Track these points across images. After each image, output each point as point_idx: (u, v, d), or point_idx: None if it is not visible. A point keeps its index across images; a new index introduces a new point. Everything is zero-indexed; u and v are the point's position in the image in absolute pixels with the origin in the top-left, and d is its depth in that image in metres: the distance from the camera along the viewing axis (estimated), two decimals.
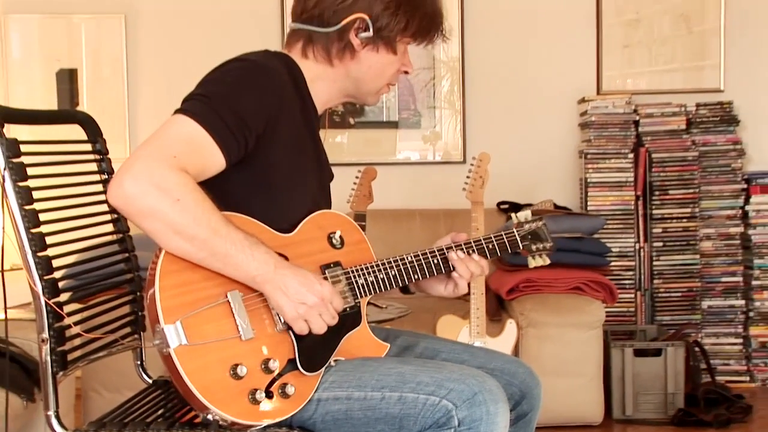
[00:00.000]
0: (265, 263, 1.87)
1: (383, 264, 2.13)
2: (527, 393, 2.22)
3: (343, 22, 2.10)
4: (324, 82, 2.18)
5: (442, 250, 2.20)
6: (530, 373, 2.25)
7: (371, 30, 2.11)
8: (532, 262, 2.33)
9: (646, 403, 4.43)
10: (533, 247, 2.31)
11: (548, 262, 2.34)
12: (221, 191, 1.98)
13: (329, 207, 2.25)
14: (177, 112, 1.91)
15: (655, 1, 5.32)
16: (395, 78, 2.25)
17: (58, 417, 2.04)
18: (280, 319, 1.93)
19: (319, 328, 1.91)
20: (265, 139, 1.98)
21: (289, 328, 1.92)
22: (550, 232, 2.33)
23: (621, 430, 4.36)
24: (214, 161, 1.91)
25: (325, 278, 2.03)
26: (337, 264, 2.09)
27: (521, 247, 2.29)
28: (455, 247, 2.21)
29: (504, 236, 2.27)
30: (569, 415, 4.27)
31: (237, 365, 1.84)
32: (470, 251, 2.22)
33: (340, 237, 2.13)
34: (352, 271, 2.09)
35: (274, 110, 2.00)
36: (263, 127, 1.97)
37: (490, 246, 2.24)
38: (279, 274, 1.87)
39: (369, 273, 2.11)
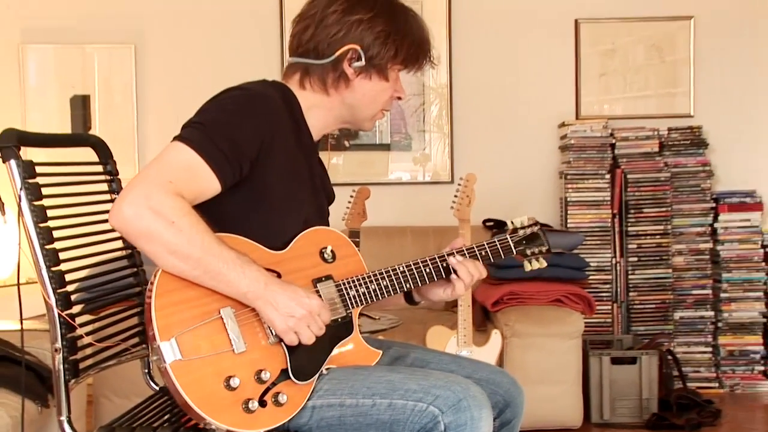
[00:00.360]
0: (256, 280, 1.87)
1: (374, 275, 2.12)
2: (511, 402, 2.21)
3: (337, 53, 2.11)
4: (320, 110, 2.18)
5: (434, 258, 2.18)
6: (514, 383, 2.24)
7: (363, 59, 2.11)
8: (528, 266, 2.27)
9: (622, 408, 4.43)
10: (528, 252, 2.25)
11: (545, 265, 2.28)
12: (217, 214, 1.97)
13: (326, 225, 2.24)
14: (175, 139, 1.92)
15: (630, 33, 5.34)
16: (389, 104, 2.24)
17: (70, 422, 2.04)
18: (271, 332, 1.92)
19: (308, 339, 1.91)
20: (258, 164, 1.98)
21: (280, 340, 1.92)
22: (546, 235, 2.29)
23: None
24: (210, 186, 1.92)
25: (317, 291, 2.03)
26: (328, 277, 2.08)
27: (515, 252, 2.24)
28: (448, 256, 2.18)
29: (497, 243, 2.23)
30: (551, 419, 4.26)
31: (230, 377, 1.84)
32: (464, 257, 2.19)
33: (332, 251, 2.12)
34: (344, 284, 2.08)
35: (267, 136, 2.00)
36: (257, 153, 1.97)
37: (483, 253, 2.21)
38: (269, 290, 1.88)
39: (360, 284, 2.09)
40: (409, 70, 2.22)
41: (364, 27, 2.10)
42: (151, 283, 1.87)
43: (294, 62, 2.18)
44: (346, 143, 5.32)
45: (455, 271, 2.18)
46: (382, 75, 2.15)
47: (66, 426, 2.03)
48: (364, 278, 2.11)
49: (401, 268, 2.14)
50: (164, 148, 1.92)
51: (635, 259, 5.04)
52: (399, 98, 2.25)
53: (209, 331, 1.86)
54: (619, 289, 5.05)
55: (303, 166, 2.15)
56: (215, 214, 1.97)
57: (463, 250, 2.20)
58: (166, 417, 2.18)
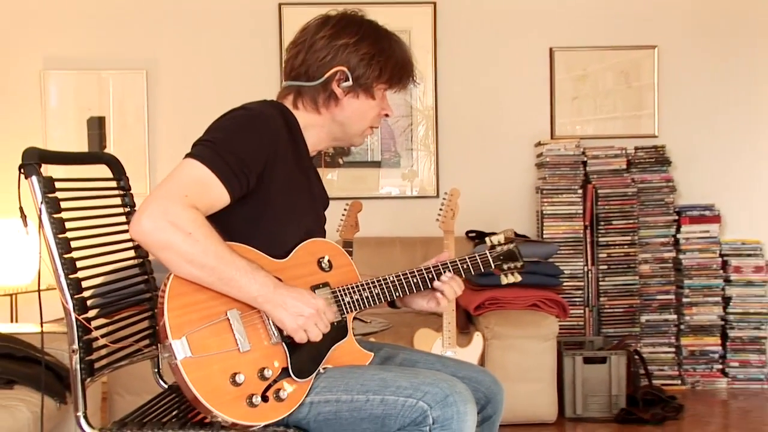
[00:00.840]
0: (265, 285, 1.87)
1: (367, 284, 2.12)
2: (492, 398, 2.20)
3: (326, 75, 2.11)
4: (314, 128, 2.18)
5: (421, 270, 2.18)
6: (495, 382, 2.23)
7: (351, 80, 2.11)
8: (504, 280, 2.27)
9: (594, 404, 4.42)
10: (505, 267, 2.25)
11: (519, 279, 2.28)
12: (226, 224, 1.97)
13: (322, 235, 2.24)
14: (187, 156, 1.92)
15: (599, 60, 5.35)
16: (377, 121, 2.23)
17: (86, 417, 2.03)
18: (274, 333, 1.92)
19: (316, 336, 1.92)
20: (264, 178, 1.99)
21: (282, 340, 1.92)
22: (521, 252, 2.28)
23: (572, 428, 4.35)
24: (220, 198, 1.92)
25: None
26: (325, 284, 2.08)
27: (493, 267, 2.24)
28: (433, 269, 2.18)
29: (477, 258, 2.22)
30: (528, 414, 4.26)
31: (236, 374, 1.84)
32: (446, 271, 2.19)
33: (329, 261, 2.12)
34: (339, 291, 2.09)
35: (271, 152, 2.00)
36: (262, 167, 1.98)
37: (465, 266, 2.21)
38: (278, 293, 1.88)
39: (354, 292, 2.10)
40: (394, 89, 2.22)
41: (350, 50, 2.11)
42: (164, 288, 1.86)
43: (288, 85, 2.19)
44: (340, 160, 5.32)
45: (441, 291, 2.19)
46: (368, 94, 2.16)
47: (82, 421, 2.02)
48: (357, 286, 2.11)
49: (391, 278, 2.15)
50: (178, 165, 1.92)
51: (605, 267, 5.05)
52: (387, 115, 2.25)
53: (217, 331, 1.87)
54: (590, 295, 5.06)
55: (302, 178, 2.15)
56: (225, 224, 1.97)
57: (447, 265, 2.20)
58: (174, 413, 2.17)
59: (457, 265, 2.21)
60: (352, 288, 2.10)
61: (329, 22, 2.15)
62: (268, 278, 1.89)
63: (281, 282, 1.93)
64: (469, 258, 2.23)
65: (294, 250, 2.07)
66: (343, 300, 2.08)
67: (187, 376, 1.80)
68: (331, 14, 2.18)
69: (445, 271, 2.19)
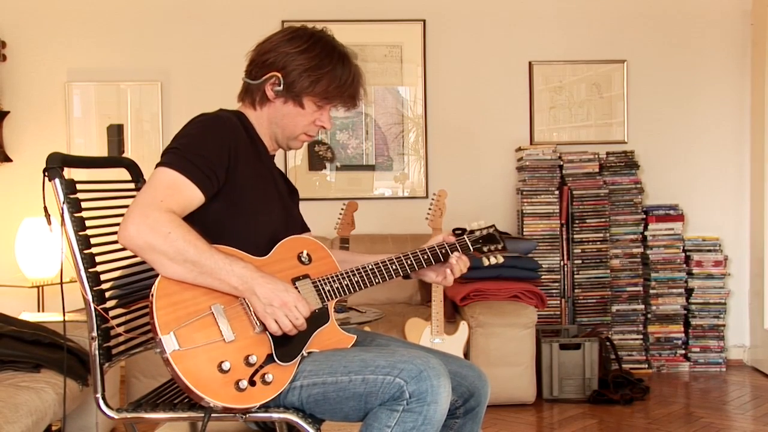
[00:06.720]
0: (242, 276, 1.88)
1: (347, 273, 2.10)
2: (475, 392, 2.15)
3: (263, 78, 2.12)
4: (262, 127, 2.18)
5: (400, 258, 2.15)
6: (479, 377, 2.18)
7: (282, 85, 2.11)
8: (486, 261, 2.22)
9: (569, 386, 4.43)
10: (485, 249, 2.22)
11: (501, 260, 2.22)
12: (206, 223, 1.97)
13: (297, 223, 2.23)
14: (158, 165, 1.94)
15: (574, 73, 5.36)
16: (312, 130, 2.20)
17: (104, 399, 2.03)
18: (256, 323, 1.91)
19: (284, 326, 1.90)
20: (230, 172, 1.99)
21: (265, 329, 1.91)
22: (501, 234, 2.24)
23: (549, 408, 4.35)
24: (194, 196, 1.93)
25: (296, 288, 2.00)
26: (305, 276, 2.06)
27: (472, 250, 2.21)
28: (411, 255, 2.15)
29: (456, 243, 2.20)
30: (509, 396, 4.26)
31: (222, 362, 1.84)
32: (425, 257, 2.16)
33: (308, 255, 2.10)
34: (319, 281, 2.06)
35: (232, 147, 2.01)
36: (227, 161, 1.99)
37: (443, 251, 2.18)
38: (254, 282, 1.88)
39: (333, 281, 2.08)
40: (328, 106, 2.17)
41: (289, 59, 2.10)
42: (152, 289, 1.86)
43: (243, 81, 2.20)
44: (338, 164, 5.31)
45: (451, 268, 2.18)
46: (297, 102, 2.13)
47: (101, 402, 2.02)
48: (336, 276, 2.09)
49: (370, 266, 2.12)
50: (151, 174, 1.94)
51: (579, 261, 5.05)
52: (323, 127, 2.21)
53: (202, 325, 1.86)
54: (566, 287, 5.06)
55: (265, 173, 2.15)
56: (205, 223, 1.97)
57: (425, 250, 2.17)
58: (185, 395, 2.16)
59: (435, 250, 2.18)
60: (332, 278, 2.08)
61: (285, 31, 2.16)
62: (246, 269, 1.89)
63: (260, 272, 1.91)
64: (448, 244, 2.20)
65: (274, 248, 2.05)
66: (323, 289, 2.06)
67: (177, 367, 1.80)
68: (294, 26, 2.18)
69: (423, 257, 2.16)
